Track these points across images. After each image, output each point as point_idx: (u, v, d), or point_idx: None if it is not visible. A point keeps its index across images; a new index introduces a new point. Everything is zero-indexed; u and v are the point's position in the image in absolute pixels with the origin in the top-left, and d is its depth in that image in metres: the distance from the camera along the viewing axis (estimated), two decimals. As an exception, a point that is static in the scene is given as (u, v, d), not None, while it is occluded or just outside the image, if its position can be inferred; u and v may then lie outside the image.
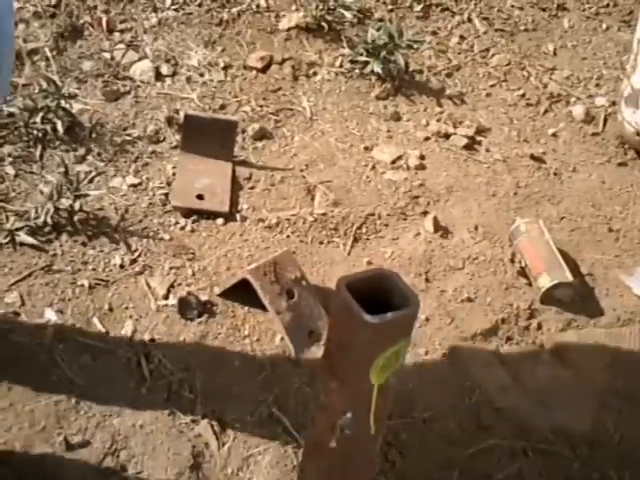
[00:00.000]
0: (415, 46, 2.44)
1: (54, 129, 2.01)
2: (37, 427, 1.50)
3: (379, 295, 1.27)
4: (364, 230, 1.97)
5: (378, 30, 2.45)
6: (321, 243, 1.93)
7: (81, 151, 2.01)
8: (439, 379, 1.72)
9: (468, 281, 1.91)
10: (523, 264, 1.94)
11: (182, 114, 2.07)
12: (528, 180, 2.20)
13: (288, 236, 1.92)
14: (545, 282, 1.88)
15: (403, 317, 1.19)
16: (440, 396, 1.69)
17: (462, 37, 2.65)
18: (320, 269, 1.87)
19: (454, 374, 1.73)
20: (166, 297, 1.75)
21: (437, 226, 2.00)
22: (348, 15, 2.53)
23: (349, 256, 1.92)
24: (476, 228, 2.03)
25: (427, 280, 1.89)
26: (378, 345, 1.22)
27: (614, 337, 1.86)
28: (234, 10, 2.50)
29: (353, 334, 1.21)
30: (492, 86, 2.51)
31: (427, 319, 1.82)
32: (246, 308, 1.75)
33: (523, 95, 2.49)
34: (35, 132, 2.00)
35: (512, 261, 1.96)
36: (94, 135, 2.06)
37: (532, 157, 2.27)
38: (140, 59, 2.29)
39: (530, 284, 1.92)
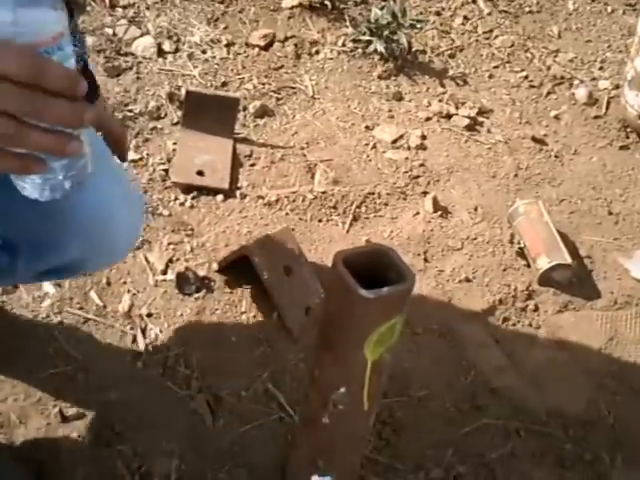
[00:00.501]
0: (418, 26, 2.43)
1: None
2: (33, 399, 1.50)
3: (375, 271, 1.27)
4: (363, 209, 1.97)
5: (381, 9, 2.44)
6: (320, 221, 1.93)
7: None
8: (435, 358, 1.72)
9: (466, 261, 1.91)
10: (522, 245, 1.94)
11: (184, 91, 2.07)
12: (529, 162, 2.19)
13: (287, 213, 1.92)
14: (543, 263, 1.88)
15: (398, 292, 1.19)
16: (436, 375, 1.69)
17: (466, 18, 2.64)
18: (319, 247, 1.87)
19: (450, 354, 1.73)
20: (164, 272, 1.75)
21: (437, 206, 1.99)
22: (352, -6, 2.52)
23: (348, 234, 1.92)
24: (475, 209, 2.03)
25: (425, 260, 1.90)
26: (373, 320, 1.22)
27: (611, 320, 1.86)
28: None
29: (348, 308, 1.22)
30: (495, 67, 2.50)
31: (425, 298, 1.82)
32: (244, 284, 1.75)
33: (526, 77, 2.48)
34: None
35: (511, 242, 1.96)
36: (95, 110, 2.05)
37: (533, 139, 2.26)
38: (142, 35, 2.28)
39: (528, 265, 1.92)
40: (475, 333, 1.79)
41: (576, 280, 1.92)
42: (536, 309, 1.85)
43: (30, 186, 0.83)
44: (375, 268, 1.27)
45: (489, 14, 2.68)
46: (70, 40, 0.77)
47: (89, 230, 1.15)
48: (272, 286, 1.68)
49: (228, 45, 2.33)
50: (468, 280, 1.87)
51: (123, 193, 1.22)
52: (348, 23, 2.47)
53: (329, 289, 1.32)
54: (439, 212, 1.99)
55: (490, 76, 2.46)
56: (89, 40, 2.22)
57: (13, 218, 1.10)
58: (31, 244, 1.15)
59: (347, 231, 1.92)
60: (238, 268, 1.74)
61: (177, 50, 2.29)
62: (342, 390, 1.26)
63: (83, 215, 1.13)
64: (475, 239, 1.95)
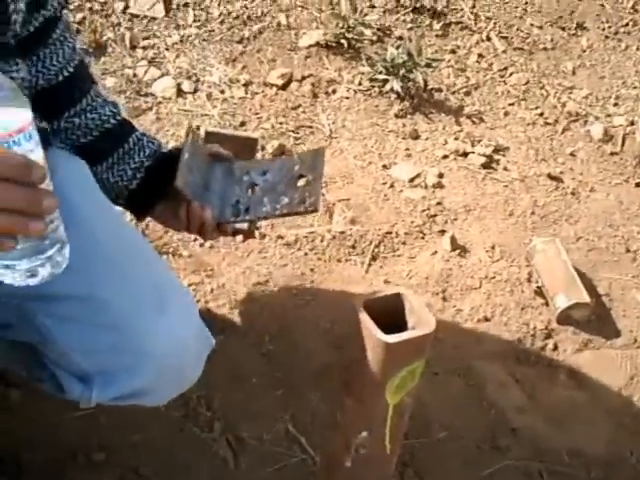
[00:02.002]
0: (434, 65, 2.45)
1: (76, 145, 2.03)
2: (56, 441, 1.51)
3: (396, 315, 1.28)
4: (382, 248, 1.99)
5: (397, 48, 2.47)
6: (339, 261, 1.94)
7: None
8: (455, 399, 1.72)
9: (485, 300, 1.91)
10: (540, 284, 1.95)
11: (203, 131, 2.09)
12: (546, 199, 2.21)
13: (306, 253, 1.94)
14: (562, 302, 1.88)
15: (419, 337, 1.20)
16: (456, 416, 1.70)
17: (481, 55, 2.66)
18: (338, 287, 1.88)
19: (470, 393, 1.74)
20: (185, 313, 1.76)
21: (454, 245, 2.01)
22: (368, 33, 2.55)
23: (367, 274, 1.93)
24: (493, 247, 2.04)
25: (444, 299, 1.90)
26: (394, 365, 1.23)
27: (631, 358, 1.86)
28: (255, 27, 2.52)
29: (369, 353, 1.23)
30: (510, 105, 2.52)
31: (444, 338, 1.83)
32: (264, 325, 1.77)
33: (541, 114, 2.49)
34: (58, 148, 2.03)
35: (529, 281, 1.97)
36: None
37: (550, 176, 2.27)
38: (162, 76, 2.31)
39: (547, 304, 1.93)
40: (495, 373, 1.80)
41: (595, 318, 1.93)
42: (555, 348, 1.86)
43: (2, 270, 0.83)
44: (395, 313, 1.28)
45: (504, 52, 2.71)
46: (35, 128, 0.80)
47: (162, 360, 1.16)
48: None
49: (246, 85, 2.36)
50: (487, 319, 1.88)
51: (195, 324, 1.24)
52: (364, 62, 2.49)
53: (351, 334, 1.33)
54: (457, 251, 2.00)
55: (506, 113, 2.48)
56: (110, 81, 2.26)
57: (89, 350, 1.14)
58: (104, 373, 1.17)
59: (366, 271, 1.93)
60: (258, 309, 1.75)
61: (196, 90, 2.32)
62: (364, 434, 1.26)
63: (158, 345, 1.15)
64: (493, 278, 1.96)
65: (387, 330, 1.21)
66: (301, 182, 1.33)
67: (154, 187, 1.33)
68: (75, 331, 1.14)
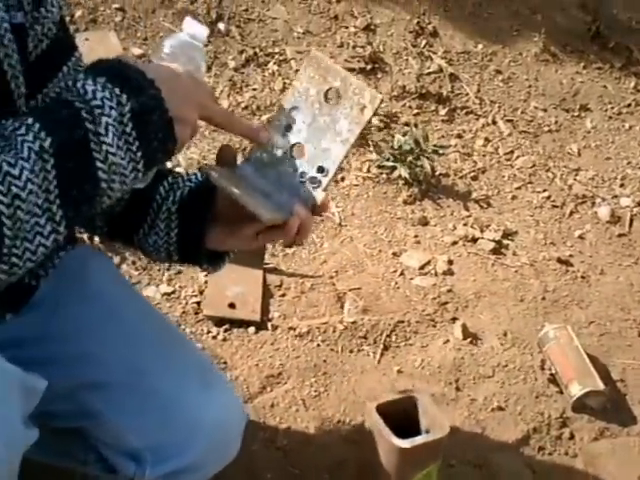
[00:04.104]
0: (441, 151, 2.49)
1: (91, 239, 2.06)
2: None
3: (409, 418, 1.29)
4: (394, 338, 1.99)
5: (404, 135, 2.51)
6: (351, 352, 1.94)
7: (116, 260, 2.06)
8: (471, 492, 1.71)
9: (498, 389, 1.91)
10: (553, 371, 1.94)
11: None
12: (556, 284, 2.22)
13: (318, 345, 1.94)
14: (576, 390, 1.87)
15: (433, 441, 1.21)
16: (473, 509, 1.68)
17: (487, 139, 2.70)
18: (351, 378, 1.88)
19: (486, 486, 1.72)
20: (198, 408, 1.76)
21: (466, 333, 2.01)
22: (375, 120, 2.59)
23: (379, 364, 1.93)
24: (505, 334, 2.04)
25: (457, 389, 1.90)
26: (409, 468, 1.23)
27: (648, 447, 1.85)
28: (264, 117, 2.57)
29: (384, 457, 1.23)
30: (518, 188, 2.55)
31: (458, 429, 1.82)
32: (278, 419, 1.76)
33: (548, 197, 2.52)
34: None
35: (542, 368, 1.97)
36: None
37: (559, 260, 2.29)
38: (174, 167, 2.35)
39: (561, 392, 1.92)
40: (510, 463, 1.78)
41: (610, 406, 1.92)
42: (571, 437, 1.85)
43: None
44: (409, 414, 1.29)
45: (509, 135, 2.75)
46: None
47: (211, 434, 1.21)
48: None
49: (256, 174, 2.40)
50: (501, 409, 1.87)
51: (236, 398, 1.32)
52: (372, 149, 2.53)
53: (365, 438, 1.34)
54: (469, 339, 2.01)
55: (513, 197, 2.51)
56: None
57: (142, 429, 1.17)
58: (157, 450, 1.20)
59: (378, 361, 1.93)
60: (271, 402, 1.75)
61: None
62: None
63: (207, 419, 1.19)
64: (506, 366, 1.96)
65: (400, 431, 1.22)
66: (331, 93, 1.09)
67: (196, 223, 1.18)
68: (127, 413, 1.17)
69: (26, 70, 1.03)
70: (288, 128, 1.08)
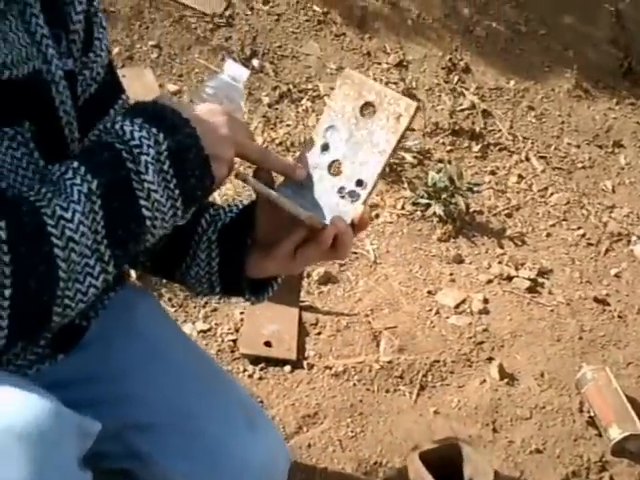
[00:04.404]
0: (475, 189, 2.48)
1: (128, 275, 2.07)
2: None
3: (452, 464, 1.28)
4: (430, 378, 1.98)
5: (438, 172, 2.51)
6: (387, 391, 1.94)
7: (152, 297, 2.07)
8: (510, 537, 1.69)
9: (536, 431, 1.89)
10: (592, 413, 1.92)
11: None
12: (592, 324, 2.20)
13: (354, 384, 1.93)
14: (615, 434, 1.85)
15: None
16: None
17: (520, 176, 2.70)
18: (387, 419, 1.87)
19: (525, 531, 1.71)
20: (235, 448, 1.76)
21: (502, 373, 2.00)
22: (408, 157, 2.60)
23: (416, 405, 1.92)
24: (542, 375, 2.03)
25: (494, 430, 1.88)
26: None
27: (689, 492, 1.82)
28: (298, 154, 2.58)
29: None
30: (552, 226, 2.54)
31: (496, 472, 1.80)
32: (315, 460, 1.76)
33: (583, 235, 2.51)
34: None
35: (580, 410, 1.95)
36: (164, 280, 2.11)
37: (595, 299, 2.27)
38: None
39: (600, 435, 1.90)
40: (549, 507, 1.76)
41: (650, 449, 1.90)
42: (611, 481, 1.83)
43: None
44: (452, 463, 1.28)
45: (543, 171, 2.74)
46: None
47: (259, 476, 1.19)
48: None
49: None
50: (539, 451, 1.85)
51: (280, 438, 1.30)
52: (406, 185, 2.53)
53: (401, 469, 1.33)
54: (505, 379, 1.99)
55: (548, 235, 2.50)
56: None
57: (190, 472, 1.16)
58: None
59: (415, 402, 1.92)
60: (307, 442, 1.75)
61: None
62: None
63: (255, 461, 1.18)
64: (543, 407, 1.94)
65: (443, 479, 1.21)
66: (367, 107, 1.08)
67: (237, 249, 1.16)
68: (174, 455, 1.16)
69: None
70: (325, 147, 1.07)
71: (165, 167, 0.93)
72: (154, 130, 0.92)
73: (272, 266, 1.10)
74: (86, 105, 1.09)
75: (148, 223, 0.94)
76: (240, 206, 1.19)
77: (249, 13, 2.87)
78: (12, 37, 0.93)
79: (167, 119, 0.94)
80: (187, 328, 2.01)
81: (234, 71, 1.36)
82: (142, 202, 0.92)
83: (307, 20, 2.93)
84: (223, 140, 0.98)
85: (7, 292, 0.83)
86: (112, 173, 0.91)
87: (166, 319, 1.33)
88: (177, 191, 0.94)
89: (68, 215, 0.88)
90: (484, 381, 1.99)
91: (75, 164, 0.91)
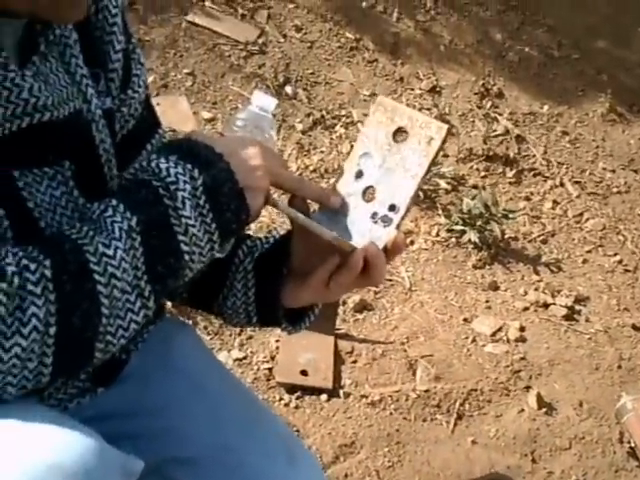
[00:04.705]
0: (511, 216, 2.47)
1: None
2: None
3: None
4: (467, 407, 1.97)
5: (473, 199, 2.50)
6: (424, 421, 1.92)
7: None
8: None
9: (576, 462, 1.87)
10: (632, 444, 1.90)
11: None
12: (631, 352, 2.17)
13: (391, 413, 1.92)
14: (657, 465, 1.83)
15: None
16: None
17: (555, 202, 2.68)
18: (424, 448, 1.86)
19: None
20: None
21: (541, 402, 1.98)
22: (443, 183, 2.59)
23: (453, 434, 1.90)
24: (581, 404, 2.00)
25: (533, 461, 1.86)
26: None
27: None
28: (332, 181, 2.58)
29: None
30: (588, 252, 2.52)
31: (535, 503, 1.78)
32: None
33: (620, 261, 2.49)
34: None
35: (621, 441, 1.92)
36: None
37: (634, 327, 2.25)
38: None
39: (641, 466, 1.88)
40: (590, 540, 1.74)
41: (692, 481, 1.87)
42: (653, 514, 1.80)
43: None
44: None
45: (578, 197, 2.72)
46: None
47: None
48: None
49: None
50: (579, 483, 1.83)
51: (320, 473, 1.30)
52: (440, 212, 2.52)
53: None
54: (544, 408, 1.97)
55: (584, 261, 2.48)
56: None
57: None
58: None
59: (452, 431, 1.91)
60: (345, 472, 1.74)
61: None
62: None
63: None
64: (583, 438, 1.92)
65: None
66: (399, 133, 1.07)
67: (273, 278, 1.15)
68: None
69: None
70: (359, 174, 1.07)
71: (201, 202, 0.93)
72: (189, 166, 0.94)
73: (307, 295, 1.10)
74: (124, 141, 1.10)
75: (186, 258, 0.95)
76: (277, 236, 1.18)
77: (282, 40, 2.89)
78: (53, 78, 0.95)
79: (201, 155, 0.95)
80: (223, 356, 2.01)
81: (262, 101, 1.37)
82: (180, 237, 0.93)
83: (339, 47, 2.95)
84: (256, 171, 0.99)
85: (52, 330, 0.84)
86: (150, 210, 0.92)
87: (204, 351, 1.33)
88: (214, 225, 0.95)
89: (110, 252, 0.89)
90: (522, 410, 1.97)
91: (114, 202, 0.92)
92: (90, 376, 1.10)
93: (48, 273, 0.84)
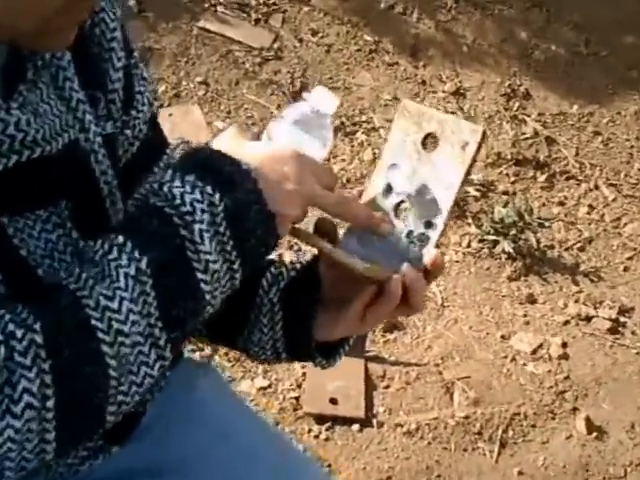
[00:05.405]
0: (547, 224, 2.33)
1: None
2: None
3: None
4: (510, 433, 1.83)
5: (505, 206, 2.36)
6: (465, 450, 1.79)
7: (207, 351, 1.95)
8: None
9: (632, 492, 1.73)
10: (692, 470, 1.76)
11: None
12: (683, 367, 2.03)
13: (429, 443, 1.79)
14: None
15: None
16: None
17: (591, 206, 2.54)
18: (467, 481, 1.73)
19: None
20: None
21: (590, 426, 1.84)
22: (472, 190, 2.46)
23: (497, 464, 1.77)
24: (633, 426, 1.87)
25: (586, 491, 1.73)
26: None
27: None
28: (355, 191, 2.46)
29: None
30: (629, 259, 2.38)
31: (590, 539, 1.65)
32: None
33: (664, 268, 2.35)
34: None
35: (679, 467, 1.78)
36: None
37: (684, 341, 2.11)
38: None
39: (702, 494, 1.74)
40: None
41: None
42: None
43: None
44: None
45: (614, 200, 2.58)
46: None
47: None
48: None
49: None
50: (637, 514, 1.69)
51: None
52: (470, 220, 2.39)
53: None
54: (593, 433, 1.84)
55: (625, 269, 2.34)
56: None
57: None
58: None
59: (496, 460, 1.78)
60: None
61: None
62: None
63: None
64: (638, 465, 1.78)
65: None
66: (429, 140, 0.96)
67: (301, 312, 1.04)
68: None
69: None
70: (389, 189, 0.94)
71: (221, 229, 0.79)
72: (208, 190, 0.78)
73: (341, 329, 0.97)
74: (128, 166, 0.96)
75: (207, 297, 0.80)
76: (303, 261, 1.04)
77: (298, 45, 2.76)
78: (44, 108, 0.80)
79: (224, 173, 0.79)
80: (246, 385, 1.89)
81: (322, 99, 1.11)
82: (200, 275, 0.78)
83: (358, 50, 2.82)
84: (292, 194, 0.84)
85: (50, 403, 0.71)
86: (163, 245, 0.78)
87: (230, 395, 1.21)
88: (234, 253, 0.80)
89: (114, 305, 0.75)
90: (570, 436, 1.83)
91: (120, 240, 0.77)
92: (102, 435, 0.98)
93: (39, 339, 0.71)
